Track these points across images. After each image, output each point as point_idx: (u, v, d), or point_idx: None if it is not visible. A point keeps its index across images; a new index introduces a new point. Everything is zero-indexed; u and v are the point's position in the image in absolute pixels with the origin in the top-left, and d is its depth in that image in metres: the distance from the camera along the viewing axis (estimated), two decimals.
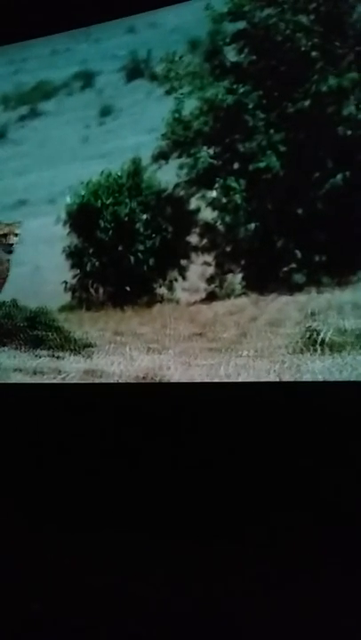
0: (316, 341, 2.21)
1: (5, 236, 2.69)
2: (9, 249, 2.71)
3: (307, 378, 2.20)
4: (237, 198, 2.38)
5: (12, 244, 2.70)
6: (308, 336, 2.23)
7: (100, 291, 2.61)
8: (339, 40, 2.25)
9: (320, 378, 2.19)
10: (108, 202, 2.60)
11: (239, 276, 2.41)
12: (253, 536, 2.09)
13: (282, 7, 2.34)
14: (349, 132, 2.22)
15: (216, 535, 2.13)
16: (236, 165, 2.41)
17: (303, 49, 2.30)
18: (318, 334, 2.21)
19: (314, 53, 2.28)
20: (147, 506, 2.25)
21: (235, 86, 2.40)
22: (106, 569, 2.25)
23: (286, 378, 2.23)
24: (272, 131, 2.34)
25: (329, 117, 2.25)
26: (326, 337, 2.20)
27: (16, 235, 2.70)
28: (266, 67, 2.36)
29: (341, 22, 2.25)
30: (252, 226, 2.37)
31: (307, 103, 2.28)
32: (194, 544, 2.13)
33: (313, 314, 2.24)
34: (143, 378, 2.43)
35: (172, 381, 2.35)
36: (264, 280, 2.36)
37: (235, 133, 2.40)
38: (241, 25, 2.41)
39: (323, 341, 2.20)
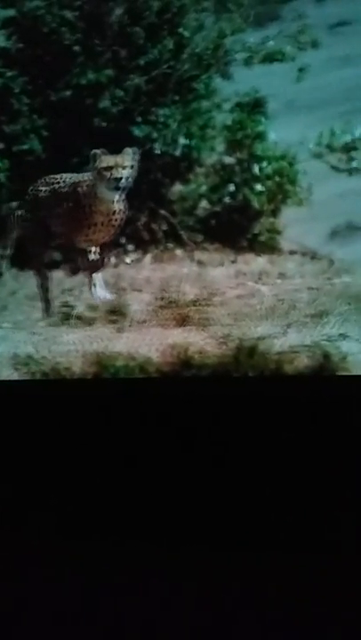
0: (70, 315, 2.38)
1: (110, 169, 2.09)
2: (115, 185, 2.09)
3: (61, 350, 2.35)
4: (1, 177, 2.49)
5: (120, 179, 2.08)
6: (63, 310, 2.39)
7: None
8: (99, 38, 2.45)
9: (72, 348, 2.35)
10: None
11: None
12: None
13: (50, 0, 2.49)
14: (104, 124, 2.42)
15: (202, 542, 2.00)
16: (1, 145, 2.51)
17: (67, 42, 2.46)
18: (73, 309, 2.38)
19: (76, 48, 2.45)
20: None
21: (2, 70, 2.51)
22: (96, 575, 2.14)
23: (42, 349, 2.36)
24: (35, 116, 2.48)
25: (86, 109, 2.43)
26: (79, 311, 2.38)
27: (124, 167, 2.09)
28: (32, 55, 2.50)
29: (102, 22, 2.45)
30: (14, 204, 2.48)
31: (68, 93, 2.45)
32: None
33: (69, 290, 2.41)
34: None
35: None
36: (25, 257, 2.49)
37: (0, 115, 2.51)
38: (11, 12, 2.52)
39: (76, 316, 2.38)
